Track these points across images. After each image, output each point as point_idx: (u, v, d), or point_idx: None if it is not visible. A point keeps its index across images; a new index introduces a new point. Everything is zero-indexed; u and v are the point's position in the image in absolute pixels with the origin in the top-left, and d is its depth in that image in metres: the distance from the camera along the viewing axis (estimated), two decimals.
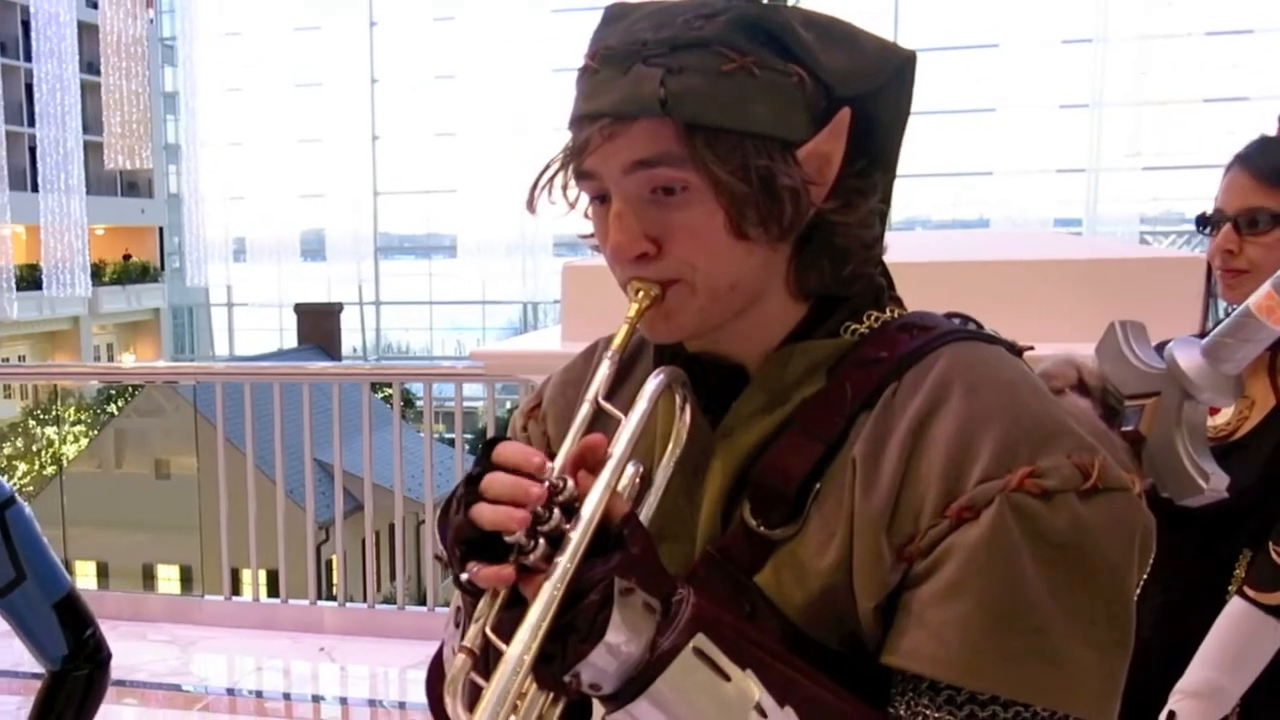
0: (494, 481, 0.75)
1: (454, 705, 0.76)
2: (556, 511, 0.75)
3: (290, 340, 26.94)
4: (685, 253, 0.83)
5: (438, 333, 29.46)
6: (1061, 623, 0.76)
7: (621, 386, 0.92)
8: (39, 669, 1.63)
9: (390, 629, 4.47)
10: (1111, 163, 18.75)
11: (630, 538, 0.75)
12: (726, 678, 0.74)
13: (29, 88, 24.73)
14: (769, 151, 0.81)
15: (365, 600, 4.75)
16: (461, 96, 21.46)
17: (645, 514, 0.84)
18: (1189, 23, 17.90)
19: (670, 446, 0.87)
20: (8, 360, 24.11)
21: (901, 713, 0.79)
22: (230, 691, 4.12)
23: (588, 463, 0.79)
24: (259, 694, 4.15)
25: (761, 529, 0.84)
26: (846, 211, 0.85)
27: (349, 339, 26.91)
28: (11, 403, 24.95)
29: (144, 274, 31.31)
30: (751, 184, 0.81)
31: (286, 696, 4.19)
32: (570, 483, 0.77)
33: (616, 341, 0.84)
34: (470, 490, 0.76)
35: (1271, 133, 1.61)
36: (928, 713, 0.78)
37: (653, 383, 0.83)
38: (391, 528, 4.70)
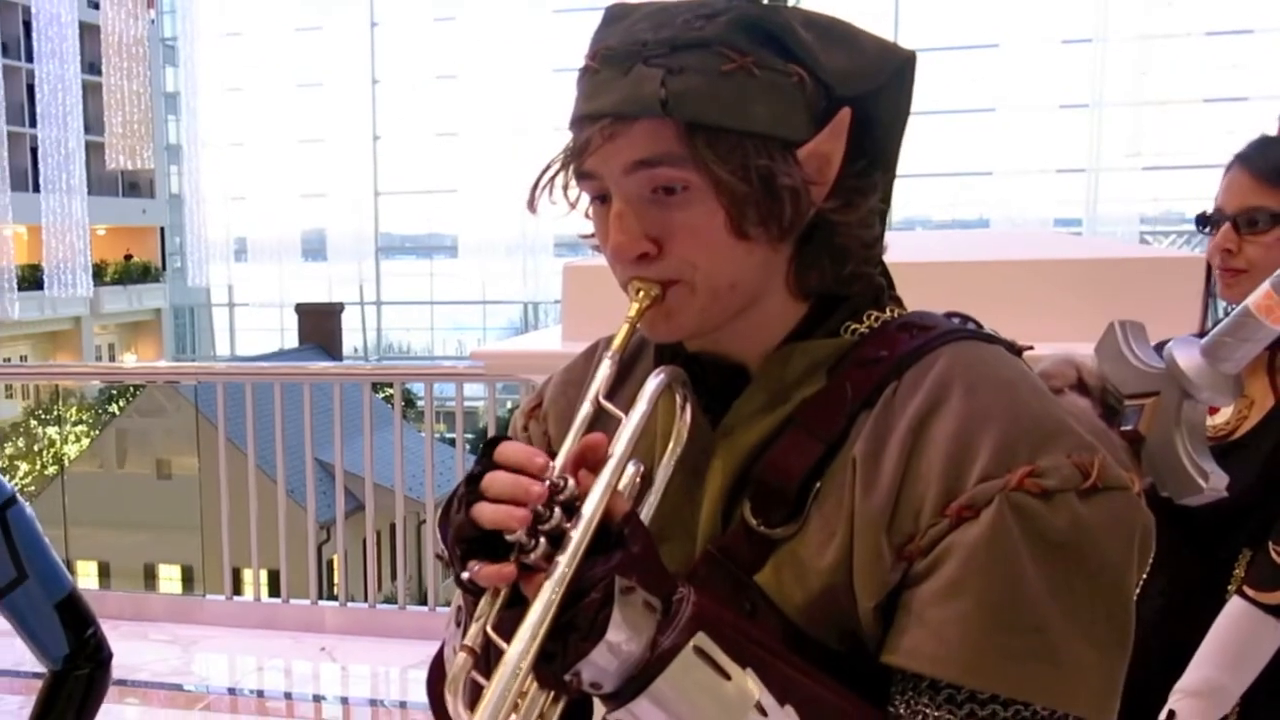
0: (495, 480, 0.75)
1: (455, 704, 0.77)
2: (557, 510, 0.75)
3: (291, 340, 26.94)
4: (686, 252, 0.83)
5: (439, 333, 29.47)
6: (1061, 622, 0.76)
7: (622, 386, 0.92)
8: (40, 669, 1.63)
9: (391, 628, 4.47)
10: (1111, 163, 18.74)
11: (631, 537, 0.76)
12: (727, 676, 0.75)
13: (30, 88, 24.73)
14: (769, 151, 0.81)
15: (366, 600, 4.75)
16: (462, 97, 21.46)
17: (646, 513, 0.85)
18: (1189, 23, 17.89)
19: (671, 446, 0.87)
20: (9, 360, 24.13)
21: (901, 711, 0.79)
22: (232, 691, 4.12)
23: (588, 462, 0.79)
24: (260, 693, 4.15)
25: (762, 528, 0.84)
26: (847, 211, 0.85)
27: (350, 339, 26.92)
28: (13, 403, 24.96)
29: (145, 274, 31.33)
30: (752, 184, 0.81)
31: (288, 696, 4.20)
32: (571, 482, 0.77)
33: (617, 341, 0.84)
34: (471, 489, 0.76)
35: (1272, 132, 1.61)
36: (928, 711, 0.78)
37: (653, 382, 0.83)
38: (393, 527, 4.70)
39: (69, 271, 23.50)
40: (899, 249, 0.96)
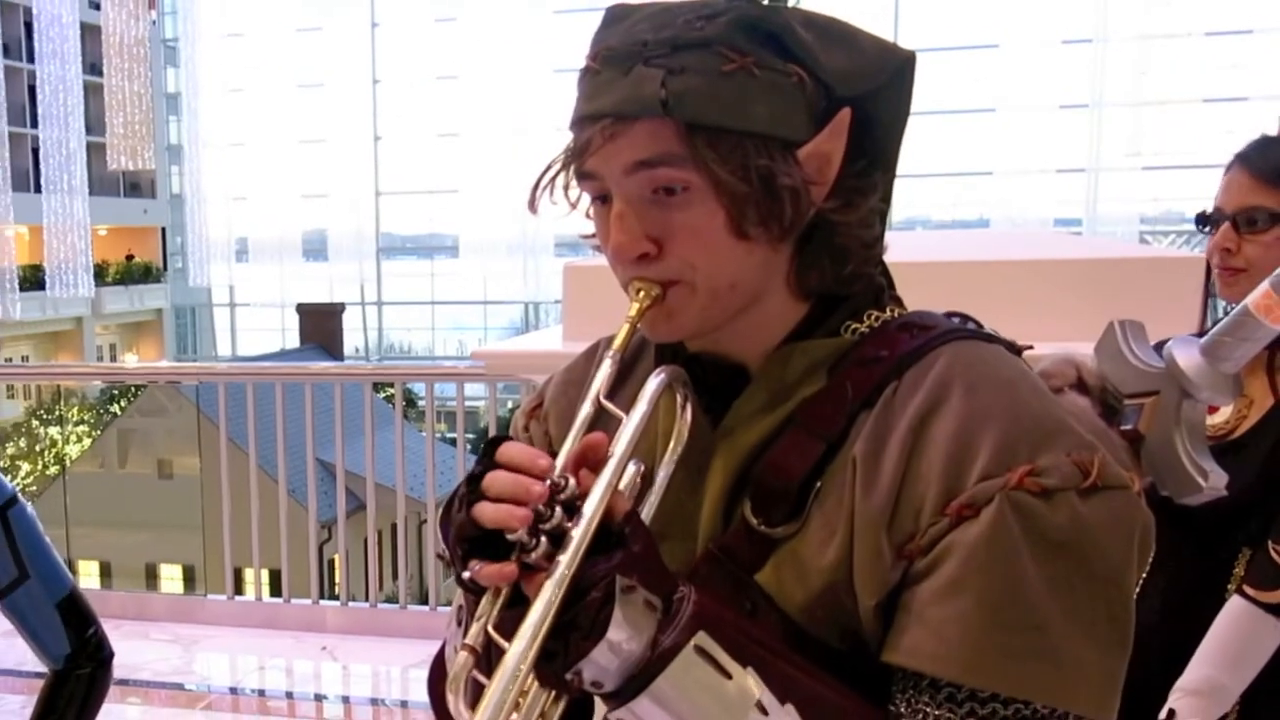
0: (496, 480, 0.75)
1: (456, 703, 0.77)
2: (558, 510, 0.75)
3: (292, 340, 26.94)
4: (686, 253, 0.83)
5: (439, 333, 29.47)
6: (1061, 621, 0.76)
7: (623, 386, 0.92)
8: (42, 668, 1.63)
9: (392, 628, 4.47)
10: (1111, 163, 18.73)
11: (632, 536, 0.76)
12: (728, 675, 0.75)
13: (32, 89, 24.72)
14: (769, 151, 0.81)
15: (367, 599, 4.75)
16: (463, 97, 21.46)
17: (647, 512, 0.85)
18: (1189, 23, 17.87)
19: (672, 445, 0.87)
20: (11, 360, 24.14)
21: (902, 710, 0.80)
22: (233, 690, 4.12)
23: (589, 461, 0.79)
24: (261, 693, 4.15)
25: (763, 527, 0.84)
26: (847, 211, 0.85)
27: (351, 339, 26.92)
28: (15, 403, 24.97)
29: (147, 274, 31.33)
30: (752, 184, 0.81)
31: (289, 695, 4.20)
32: (572, 481, 0.77)
33: (618, 341, 0.84)
34: (472, 489, 0.77)
35: (1272, 132, 1.61)
36: (928, 710, 0.78)
37: (654, 382, 0.84)
38: (394, 527, 4.70)
39: (70, 272, 23.50)
40: (899, 249, 0.96)
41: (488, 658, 0.75)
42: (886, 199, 0.89)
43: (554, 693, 0.76)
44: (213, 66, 22.78)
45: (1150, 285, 2.67)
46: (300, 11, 23.26)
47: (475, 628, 0.76)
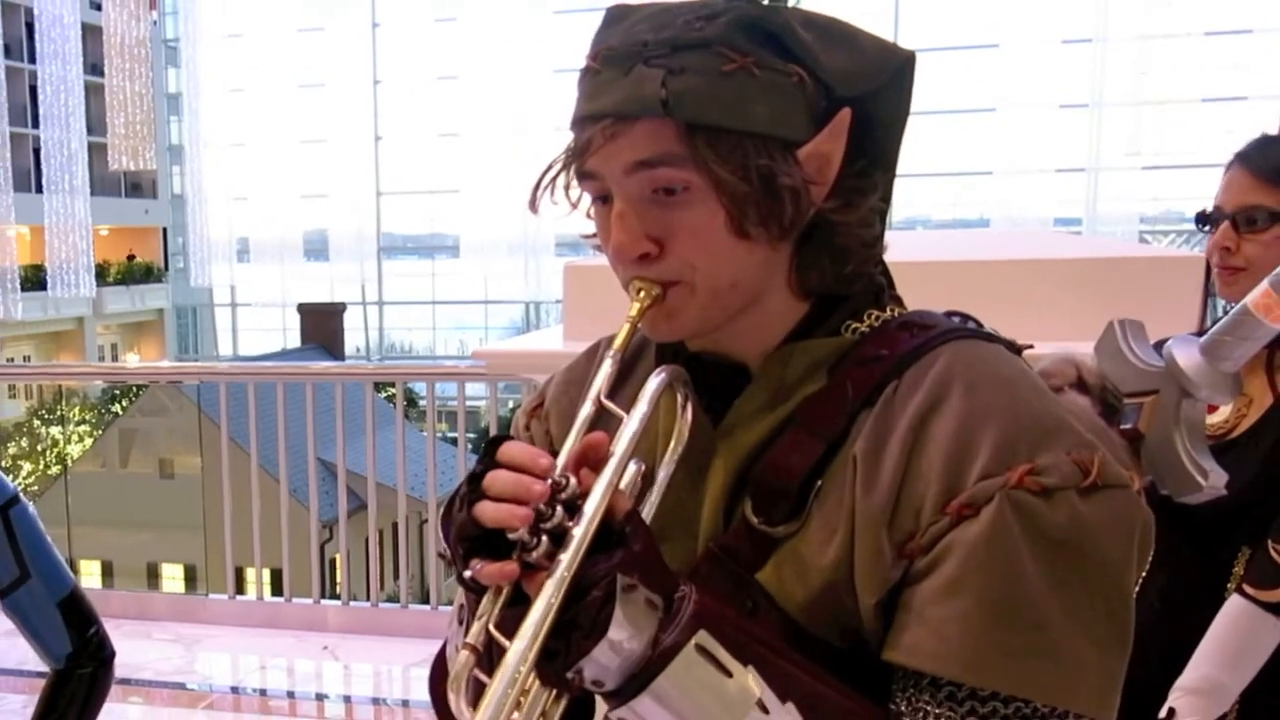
0: (497, 479, 0.75)
1: (458, 702, 0.77)
2: (559, 509, 0.75)
3: (294, 340, 26.95)
4: (686, 253, 0.83)
5: (440, 332, 29.47)
6: (1061, 619, 0.77)
7: (623, 385, 0.92)
8: (43, 668, 1.63)
9: (394, 627, 4.48)
10: (1111, 162, 18.72)
11: (633, 535, 0.76)
12: (728, 674, 0.75)
13: (33, 89, 24.76)
14: (769, 151, 0.81)
15: (369, 599, 4.76)
16: (464, 97, 21.46)
17: (647, 512, 0.85)
18: (1189, 23, 17.86)
19: (672, 445, 0.88)
20: (13, 360, 24.15)
21: (902, 709, 0.80)
22: (234, 690, 4.13)
23: (590, 461, 0.79)
24: (263, 692, 4.15)
25: (763, 526, 0.84)
26: (847, 211, 0.85)
27: (352, 339, 26.92)
28: (16, 403, 24.98)
29: (148, 274, 31.33)
30: (752, 183, 0.81)
31: (290, 695, 4.20)
32: (573, 480, 0.77)
33: (618, 341, 0.85)
34: (473, 488, 0.77)
35: (1272, 131, 1.61)
36: (928, 709, 0.79)
37: (654, 381, 0.84)
38: (395, 526, 4.70)
39: (72, 272, 23.51)
40: (899, 248, 0.97)
41: (489, 656, 0.75)
42: (886, 199, 0.90)
43: (555, 691, 0.76)
44: (214, 67, 22.78)
45: (1150, 284, 2.67)
46: (301, 12, 23.26)
47: (476, 626, 0.76)
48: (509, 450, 0.77)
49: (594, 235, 0.89)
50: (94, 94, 23.16)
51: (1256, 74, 18.07)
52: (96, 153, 23.50)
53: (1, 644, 3.82)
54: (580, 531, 0.75)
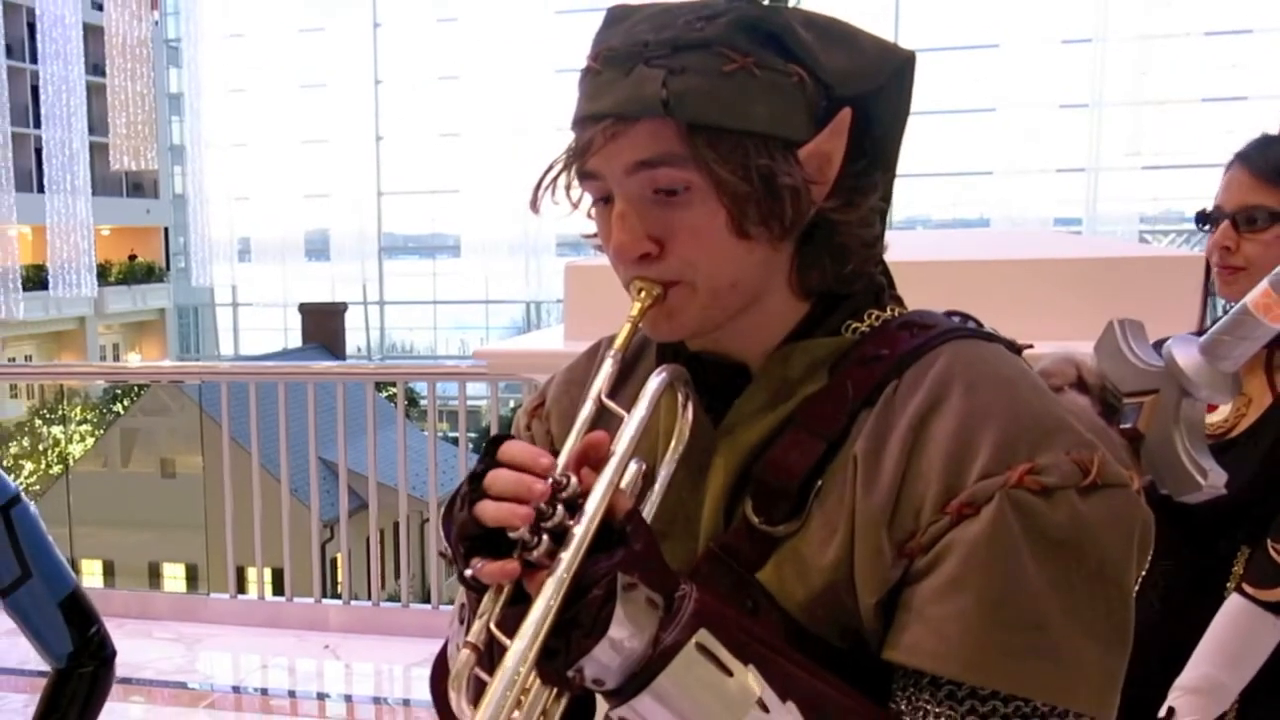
0: (498, 478, 0.76)
1: (458, 701, 0.77)
2: (560, 508, 0.75)
3: (295, 340, 26.94)
4: (687, 252, 0.83)
5: (441, 332, 29.47)
6: (1061, 618, 0.77)
7: (624, 385, 0.92)
8: (44, 667, 1.63)
9: (395, 627, 4.48)
10: (1111, 162, 18.72)
11: (633, 534, 0.76)
12: (729, 673, 0.75)
13: (35, 89, 24.78)
14: (770, 151, 0.82)
15: (370, 598, 4.76)
16: (465, 97, 21.48)
17: (648, 511, 0.85)
18: (1188, 23, 17.85)
19: (673, 444, 0.88)
20: (14, 360, 24.16)
21: (903, 708, 0.80)
22: (236, 689, 4.13)
23: (591, 460, 0.79)
24: (264, 691, 4.16)
25: (764, 526, 0.84)
26: (847, 210, 0.85)
27: (353, 338, 26.93)
28: (18, 402, 24.98)
29: (149, 274, 31.34)
30: (753, 183, 0.81)
31: (291, 694, 4.20)
32: (574, 479, 0.77)
33: (619, 340, 0.85)
34: (474, 487, 0.77)
35: (1272, 131, 1.62)
36: (928, 708, 0.79)
37: (655, 381, 0.84)
38: (396, 526, 4.71)
39: (73, 272, 23.53)
40: (900, 248, 0.97)
41: (490, 655, 0.75)
42: (887, 198, 0.90)
43: (556, 690, 0.76)
44: (215, 67, 22.79)
45: (1150, 284, 2.67)
46: (302, 12, 23.28)
47: (477, 625, 0.76)
48: (510, 449, 0.77)
49: (595, 235, 0.89)
50: (96, 94, 23.19)
51: (1256, 74, 18.08)
52: (98, 153, 23.54)
53: (3, 643, 3.82)
54: (581, 530, 0.75)
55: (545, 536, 0.74)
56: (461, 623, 0.88)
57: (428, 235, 29.29)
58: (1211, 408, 1.49)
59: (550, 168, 0.86)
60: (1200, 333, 1.23)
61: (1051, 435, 0.80)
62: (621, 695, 0.75)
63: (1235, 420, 1.54)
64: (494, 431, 0.85)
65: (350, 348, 26.41)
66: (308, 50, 23.75)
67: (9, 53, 27.73)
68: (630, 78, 0.81)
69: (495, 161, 20.11)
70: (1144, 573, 0.85)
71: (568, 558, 0.74)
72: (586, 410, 0.82)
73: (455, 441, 5.30)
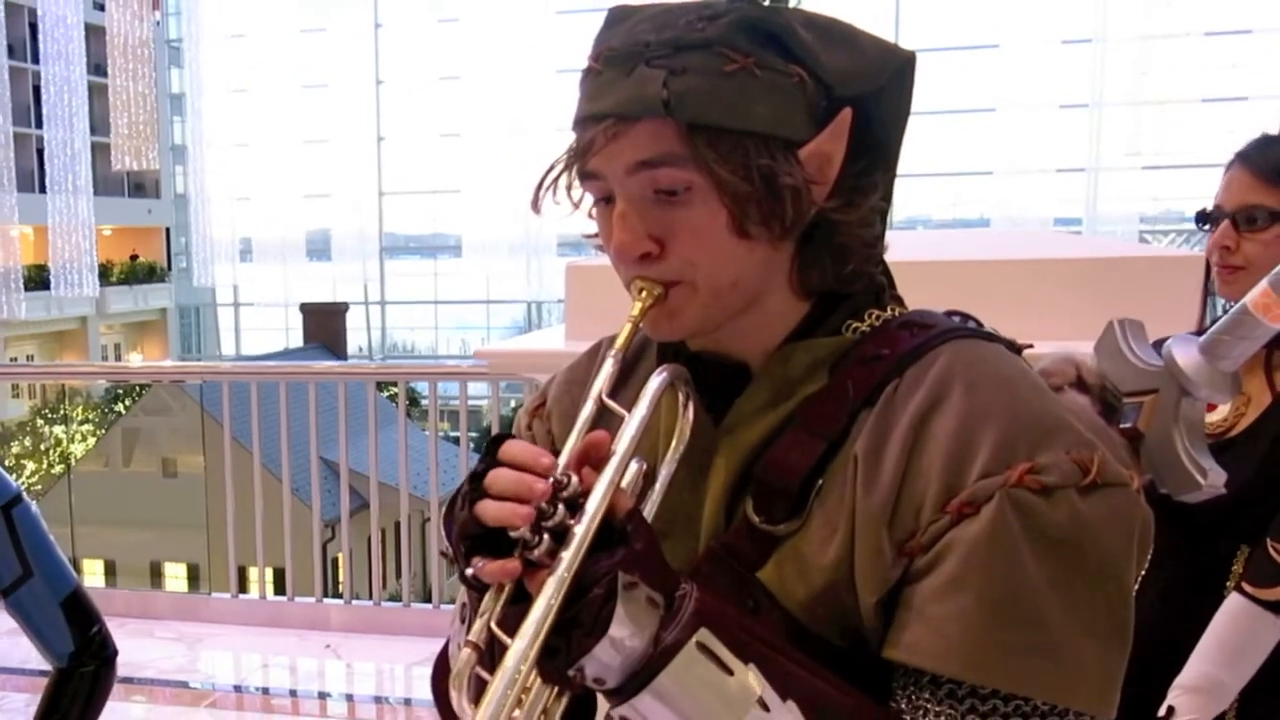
0: (499, 477, 0.76)
1: (459, 699, 0.77)
2: (561, 507, 0.76)
3: (296, 340, 26.95)
4: (688, 252, 0.83)
5: (443, 332, 29.47)
6: (1061, 617, 0.77)
7: (625, 385, 0.92)
8: (46, 666, 1.64)
9: (396, 626, 4.48)
10: (1111, 162, 18.70)
11: (634, 533, 0.76)
12: (729, 672, 0.75)
13: (36, 89, 24.79)
14: (771, 151, 0.82)
15: (371, 597, 4.77)
16: (466, 97, 21.46)
17: (649, 510, 0.85)
18: (1188, 23, 17.82)
19: (674, 443, 0.88)
20: (16, 360, 24.17)
21: (903, 707, 0.80)
22: (237, 688, 4.13)
23: (591, 459, 0.79)
24: (265, 691, 4.16)
25: (764, 525, 0.84)
26: (848, 210, 0.86)
27: (354, 338, 26.94)
28: (20, 402, 25.00)
29: (151, 274, 31.36)
30: (754, 183, 0.81)
31: (293, 693, 4.21)
32: (574, 479, 0.77)
33: (620, 340, 0.85)
34: (475, 486, 0.77)
35: (1272, 131, 1.62)
36: (929, 706, 0.79)
37: (656, 380, 0.84)
38: (397, 525, 4.71)
39: (75, 272, 23.51)
40: (900, 248, 0.97)
41: (491, 654, 0.75)
42: (887, 198, 0.90)
43: (556, 689, 0.76)
44: (216, 67, 22.77)
45: (1150, 284, 2.67)
46: (303, 12, 23.27)
47: (478, 624, 0.76)
48: (511, 449, 0.77)
49: (596, 235, 0.89)
50: (97, 94, 23.19)
51: (1256, 74, 18.06)
52: (100, 153, 23.52)
53: (4, 643, 3.82)
54: (582, 529, 0.75)
55: (546, 536, 0.75)
56: (463, 622, 0.88)
57: (429, 235, 29.30)
58: (1211, 407, 1.49)
59: (551, 168, 0.87)
60: (1200, 332, 1.23)
61: (1051, 435, 0.80)
62: (622, 694, 0.75)
63: (1235, 420, 1.54)
64: (495, 431, 0.85)
65: (351, 348, 26.42)
66: (309, 50, 23.76)
67: (11, 53, 27.72)
68: (631, 78, 0.81)
69: (496, 161, 20.10)
70: (1144, 572, 0.85)
71: (568, 557, 0.74)
72: (587, 410, 0.83)
73: (456, 441, 5.30)
